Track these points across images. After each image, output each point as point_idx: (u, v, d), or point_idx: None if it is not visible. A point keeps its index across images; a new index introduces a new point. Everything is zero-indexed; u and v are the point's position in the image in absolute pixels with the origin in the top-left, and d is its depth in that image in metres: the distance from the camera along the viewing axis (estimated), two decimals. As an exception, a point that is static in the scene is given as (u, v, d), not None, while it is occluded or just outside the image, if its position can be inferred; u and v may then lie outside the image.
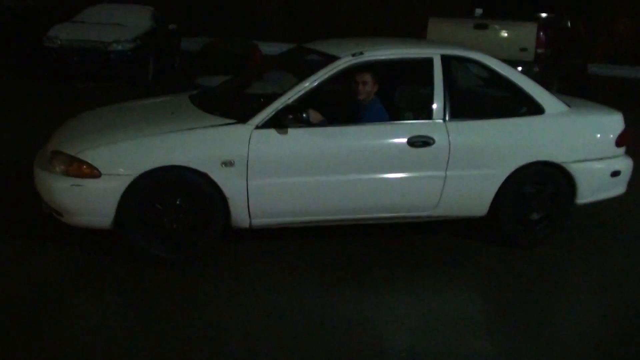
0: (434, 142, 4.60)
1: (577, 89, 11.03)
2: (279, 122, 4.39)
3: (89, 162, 4.21)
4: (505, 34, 10.35)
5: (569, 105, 5.06)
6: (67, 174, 4.26)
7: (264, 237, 4.84)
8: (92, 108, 5.47)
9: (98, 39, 11.75)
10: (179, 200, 4.32)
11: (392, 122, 4.74)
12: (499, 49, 9.92)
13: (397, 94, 5.11)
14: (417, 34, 10.90)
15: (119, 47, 11.73)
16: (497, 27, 10.38)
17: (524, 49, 10.06)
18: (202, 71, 12.88)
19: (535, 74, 9.32)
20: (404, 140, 4.56)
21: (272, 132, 4.38)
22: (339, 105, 5.08)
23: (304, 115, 4.36)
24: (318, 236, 4.96)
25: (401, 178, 4.61)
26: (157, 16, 13.60)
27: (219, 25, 18.96)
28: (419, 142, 4.58)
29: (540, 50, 10.07)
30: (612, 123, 5.13)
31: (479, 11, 11.35)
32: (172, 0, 18.74)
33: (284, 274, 4.39)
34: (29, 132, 7.61)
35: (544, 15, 11.95)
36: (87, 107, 5.67)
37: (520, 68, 9.01)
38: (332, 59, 4.69)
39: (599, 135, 5.05)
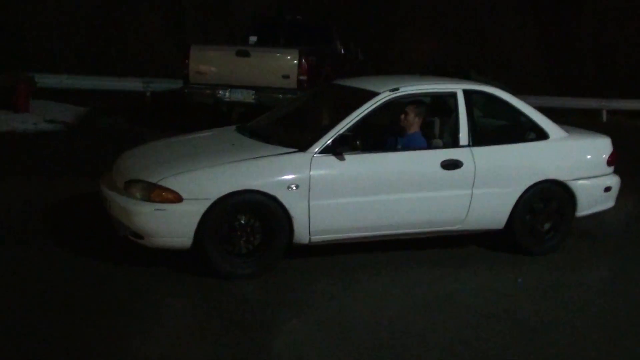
0: (462, 164, 5.33)
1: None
2: (335, 150, 5.01)
3: (172, 188, 4.70)
4: (268, 62, 10.33)
5: (567, 132, 5.89)
6: (149, 199, 4.73)
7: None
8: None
9: None
10: (251, 220, 4.86)
11: (430, 149, 5.45)
12: (261, 77, 10.22)
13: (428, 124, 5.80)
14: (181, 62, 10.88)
15: None
16: (259, 54, 10.37)
17: (286, 76, 10.17)
18: None
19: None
20: (438, 163, 5.27)
21: (330, 158, 4.99)
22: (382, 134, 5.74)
23: (357, 142, 4.99)
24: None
25: (437, 196, 5.30)
26: None
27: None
28: (450, 164, 5.30)
29: (302, 77, 10.15)
30: (604, 146, 5.99)
31: (253, 39, 11.24)
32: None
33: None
34: None
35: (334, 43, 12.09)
36: None
37: (281, 96, 9.46)
38: (373, 94, 5.37)
39: (593, 157, 5.91)
